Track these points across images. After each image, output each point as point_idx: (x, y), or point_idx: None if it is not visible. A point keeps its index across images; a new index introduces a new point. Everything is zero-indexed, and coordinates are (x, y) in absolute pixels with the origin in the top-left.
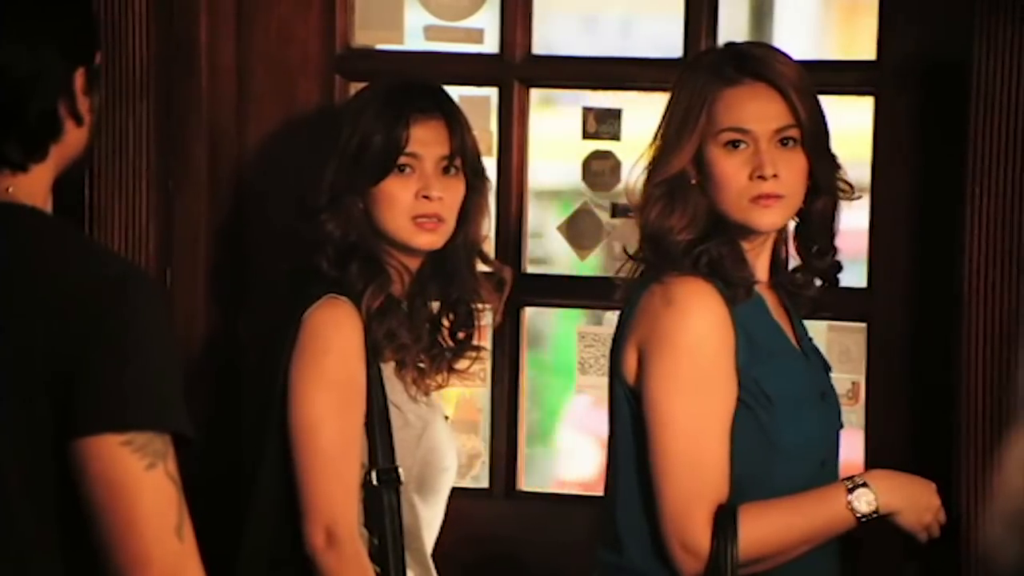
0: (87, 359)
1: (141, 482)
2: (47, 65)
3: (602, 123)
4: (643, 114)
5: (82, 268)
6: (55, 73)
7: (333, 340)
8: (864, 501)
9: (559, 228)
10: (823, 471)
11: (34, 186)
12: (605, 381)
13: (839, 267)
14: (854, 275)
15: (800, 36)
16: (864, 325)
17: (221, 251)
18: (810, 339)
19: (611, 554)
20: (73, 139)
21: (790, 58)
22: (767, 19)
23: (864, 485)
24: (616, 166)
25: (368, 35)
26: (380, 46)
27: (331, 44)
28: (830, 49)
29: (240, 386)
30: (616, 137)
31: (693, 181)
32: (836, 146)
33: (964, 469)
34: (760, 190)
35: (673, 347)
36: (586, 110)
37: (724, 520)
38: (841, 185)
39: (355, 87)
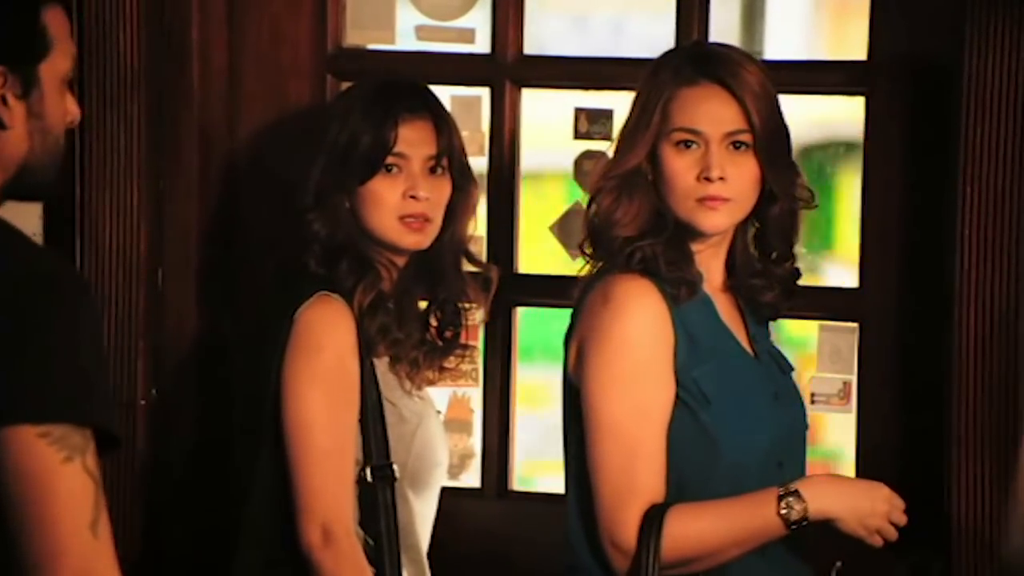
0: (10, 353)
1: (57, 475)
2: None
3: (594, 123)
4: None
5: (10, 262)
6: None
7: (326, 337)
8: (794, 508)
9: (551, 228)
10: (781, 472)
11: None
12: None
13: (797, 274)
14: (846, 275)
15: (791, 36)
16: (856, 325)
17: (212, 251)
18: (769, 342)
19: (565, 552)
20: (3, 142)
21: (754, 62)
22: (758, 19)
23: (795, 493)
24: None
25: (360, 35)
26: (372, 46)
27: (323, 44)
28: (821, 49)
29: (231, 385)
30: (608, 137)
31: (649, 178)
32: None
33: (956, 469)
34: (706, 192)
35: (608, 345)
36: (578, 110)
37: (651, 519)
38: (800, 193)
39: (345, 88)
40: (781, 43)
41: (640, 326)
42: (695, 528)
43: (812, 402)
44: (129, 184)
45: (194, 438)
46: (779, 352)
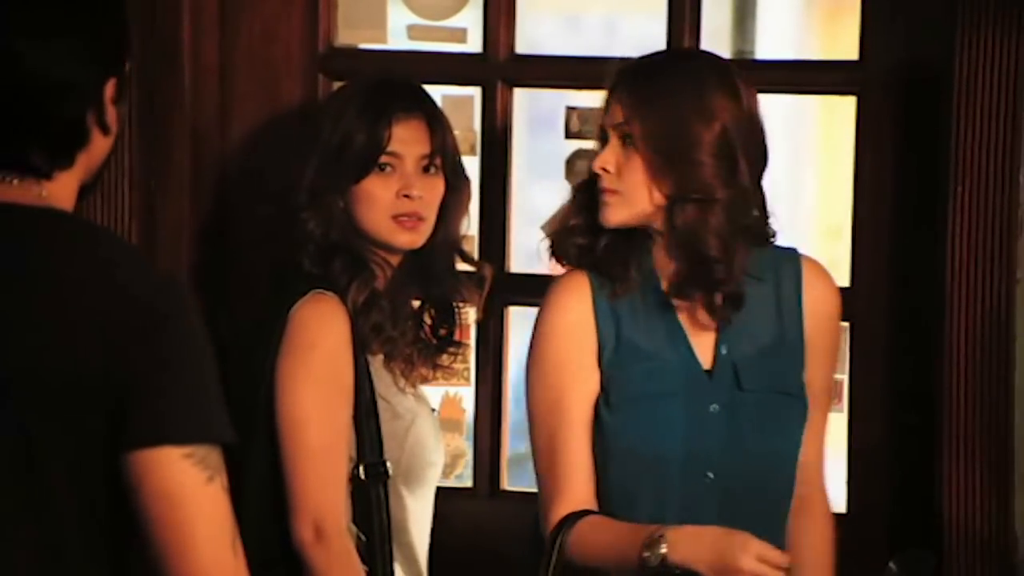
0: (143, 372)
1: (201, 495)
2: (79, 74)
3: (585, 122)
4: None
5: (132, 280)
6: (86, 83)
7: (320, 335)
8: (654, 553)
9: (543, 227)
10: (711, 485)
11: (61, 192)
12: None
13: (719, 282)
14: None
15: (783, 36)
16: (847, 324)
17: (204, 250)
18: (748, 353)
19: None
20: (99, 147)
21: (656, 61)
22: (750, 19)
23: (660, 538)
24: None
25: (351, 34)
26: (363, 45)
27: (314, 43)
28: (813, 49)
29: (224, 384)
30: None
31: None
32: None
33: (947, 467)
34: (599, 185)
35: (533, 338)
36: (569, 109)
37: (561, 526)
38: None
39: (338, 86)
40: (773, 43)
41: (556, 320)
42: (587, 544)
43: None
44: (120, 184)
45: None
46: (754, 365)
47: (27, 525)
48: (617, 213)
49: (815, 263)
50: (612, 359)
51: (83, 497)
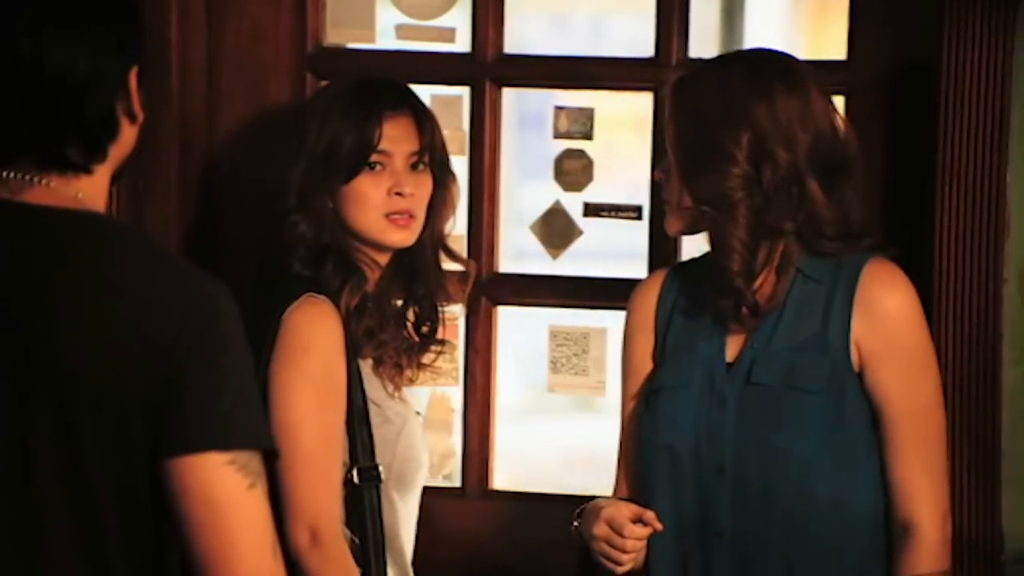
0: (183, 380)
1: (243, 501)
2: (107, 65)
3: (574, 122)
4: (615, 113)
5: (174, 285)
6: (114, 73)
7: (314, 338)
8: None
9: (531, 227)
10: (724, 479)
11: (97, 188)
12: (576, 380)
13: (738, 291)
14: None
15: (771, 36)
16: None
17: (191, 251)
18: (769, 351)
19: None
20: (128, 137)
21: (697, 68)
22: (738, 18)
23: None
24: (588, 165)
25: (340, 34)
26: (352, 45)
27: (302, 43)
28: (801, 49)
29: None
30: (588, 136)
31: None
32: None
33: None
34: None
35: None
36: (558, 109)
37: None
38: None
39: (319, 88)
40: (761, 43)
41: (626, 321)
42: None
43: None
44: None
45: None
46: (775, 360)
47: (70, 528)
48: (670, 221)
49: (882, 267)
50: (660, 355)
51: (126, 502)
